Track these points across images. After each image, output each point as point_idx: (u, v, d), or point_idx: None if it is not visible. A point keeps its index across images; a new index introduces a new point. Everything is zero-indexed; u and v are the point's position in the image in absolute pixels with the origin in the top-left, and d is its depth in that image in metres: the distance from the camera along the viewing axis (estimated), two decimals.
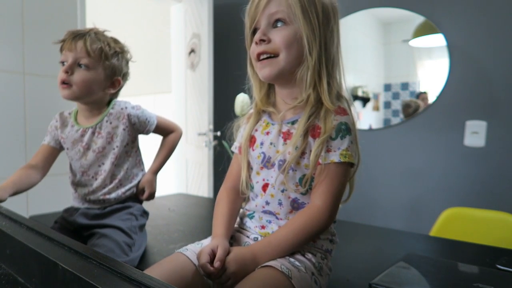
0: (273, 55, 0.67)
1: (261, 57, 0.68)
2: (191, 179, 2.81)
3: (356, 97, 2.21)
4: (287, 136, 0.69)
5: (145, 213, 1.09)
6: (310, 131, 0.67)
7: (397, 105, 2.04)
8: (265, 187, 0.72)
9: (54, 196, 1.64)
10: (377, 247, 1.07)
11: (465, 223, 1.37)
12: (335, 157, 0.64)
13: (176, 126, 1.18)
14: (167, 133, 1.16)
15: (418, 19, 1.90)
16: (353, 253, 1.01)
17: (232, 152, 0.82)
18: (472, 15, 1.74)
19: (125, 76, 1.09)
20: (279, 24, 0.67)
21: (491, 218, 1.34)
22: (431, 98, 1.90)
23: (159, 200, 1.63)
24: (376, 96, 2.14)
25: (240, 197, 0.77)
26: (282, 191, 0.69)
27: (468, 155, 1.76)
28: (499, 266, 0.83)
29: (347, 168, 0.66)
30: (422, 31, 1.92)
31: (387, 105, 2.08)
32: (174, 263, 0.64)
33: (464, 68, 1.77)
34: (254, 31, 0.70)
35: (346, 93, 0.73)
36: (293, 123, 0.69)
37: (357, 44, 2.22)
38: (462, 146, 1.78)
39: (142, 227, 1.04)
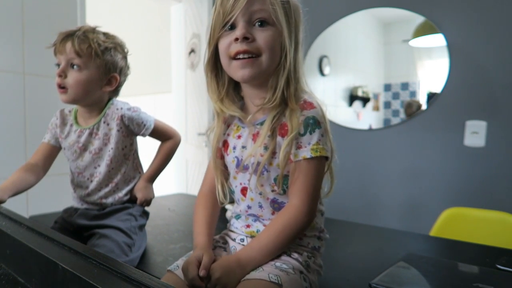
0: (255, 55, 0.64)
1: (241, 56, 0.64)
2: (191, 179, 2.81)
3: (356, 97, 2.21)
4: (257, 137, 0.68)
5: (144, 213, 1.08)
6: (278, 130, 0.66)
7: (397, 105, 2.04)
8: (243, 190, 0.71)
9: (54, 196, 1.63)
10: (377, 247, 1.07)
11: (465, 223, 1.37)
12: (306, 153, 0.63)
13: (175, 132, 1.15)
14: (165, 138, 1.13)
15: (418, 19, 1.90)
16: (353, 253, 1.01)
17: None
18: (472, 15, 1.74)
19: (122, 71, 1.05)
20: (262, 24, 0.64)
21: (491, 218, 1.34)
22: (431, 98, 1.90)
23: (159, 200, 1.63)
24: (376, 96, 2.14)
25: (218, 201, 0.76)
26: (260, 193, 0.68)
27: (468, 155, 1.76)
28: (499, 266, 0.83)
29: (320, 162, 0.65)
30: (422, 31, 1.92)
31: (387, 105, 2.08)
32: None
33: (464, 68, 1.77)
34: (225, 25, 0.65)
35: (307, 87, 0.71)
36: (262, 123, 0.68)
37: (357, 44, 2.21)
38: (462, 146, 1.78)
39: (141, 227, 1.04)
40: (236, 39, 0.64)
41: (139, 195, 1.05)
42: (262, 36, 0.64)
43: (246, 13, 0.63)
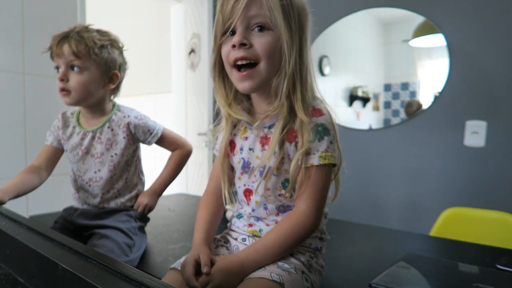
0: (253, 62, 0.63)
1: (239, 62, 0.63)
2: (191, 179, 2.80)
3: (356, 97, 2.21)
4: (265, 141, 0.68)
5: (144, 217, 1.08)
6: (287, 135, 0.66)
7: (397, 105, 2.04)
8: (246, 192, 0.71)
9: (54, 196, 1.63)
10: (377, 247, 1.07)
11: (465, 223, 1.37)
12: (314, 160, 0.63)
13: (184, 142, 1.12)
14: (173, 148, 1.11)
15: (418, 19, 1.90)
16: (353, 253, 1.01)
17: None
18: (472, 15, 1.74)
19: (122, 66, 1.05)
20: (260, 29, 0.63)
21: (491, 218, 1.34)
22: (431, 98, 1.90)
23: (159, 200, 1.62)
24: (376, 96, 2.14)
25: (223, 200, 0.76)
26: (266, 197, 0.68)
27: (468, 155, 1.76)
28: (499, 266, 0.83)
29: (328, 170, 0.65)
30: (422, 31, 1.92)
31: (387, 105, 2.08)
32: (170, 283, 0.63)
33: (464, 68, 1.77)
34: (225, 32, 0.65)
35: (319, 93, 0.70)
36: (270, 127, 0.68)
37: (357, 44, 2.21)
38: (462, 146, 1.78)
39: (141, 228, 1.04)
40: (234, 46, 0.63)
41: (140, 199, 1.05)
42: (259, 42, 0.63)
43: (244, 19, 0.62)
